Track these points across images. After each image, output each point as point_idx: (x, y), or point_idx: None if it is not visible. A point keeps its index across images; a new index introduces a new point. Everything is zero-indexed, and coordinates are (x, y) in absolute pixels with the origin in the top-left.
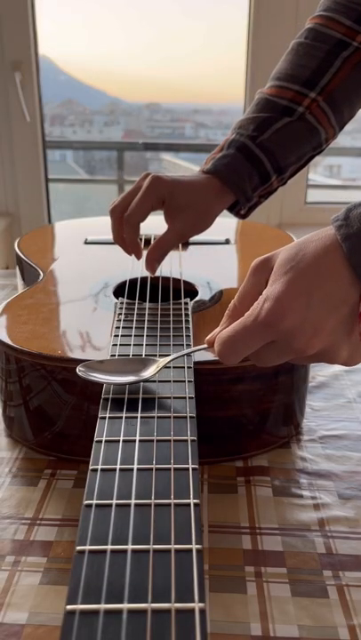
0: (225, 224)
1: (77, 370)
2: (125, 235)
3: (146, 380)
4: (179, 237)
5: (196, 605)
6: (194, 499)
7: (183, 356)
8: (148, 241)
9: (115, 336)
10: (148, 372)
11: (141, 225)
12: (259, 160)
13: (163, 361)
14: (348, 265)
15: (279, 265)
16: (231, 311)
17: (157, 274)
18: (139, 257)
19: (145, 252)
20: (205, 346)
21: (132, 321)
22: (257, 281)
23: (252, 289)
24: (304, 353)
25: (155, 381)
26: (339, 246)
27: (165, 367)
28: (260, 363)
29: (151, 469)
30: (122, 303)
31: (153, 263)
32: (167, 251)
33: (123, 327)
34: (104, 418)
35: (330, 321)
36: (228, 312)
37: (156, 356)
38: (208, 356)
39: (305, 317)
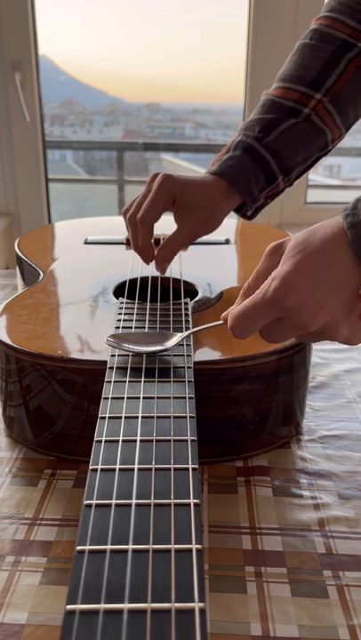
0: (225, 224)
1: (106, 341)
2: (139, 237)
3: (166, 350)
4: (189, 237)
5: (196, 605)
6: (194, 499)
7: (200, 330)
8: (157, 241)
9: None
10: (171, 342)
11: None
12: (265, 161)
13: (181, 335)
14: (352, 251)
15: (289, 248)
16: (245, 290)
17: (157, 273)
18: (148, 261)
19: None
20: (221, 322)
21: (132, 321)
22: (270, 263)
23: (266, 270)
24: (307, 329)
25: (154, 381)
26: (345, 233)
27: (179, 345)
28: (269, 338)
29: (151, 469)
30: (122, 303)
31: (163, 263)
32: (177, 250)
33: (123, 327)
34: (104, 418)
35: (332, 300)
36: (242, 291)
37: (155, 356)
38: (208, 355)
39: (309, 295)
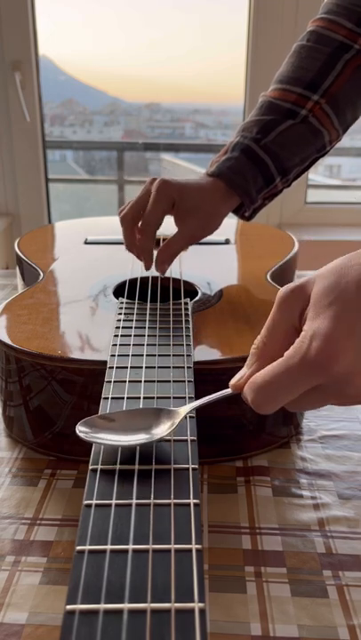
0: (225, 224)
1: (77, 430)
2: (142, 242)
3: (160, 440)
4: (188, 239)
5: (196, 605)
6: (194, 499)
7: (203, 404)
8: (157, 242)
9: (115, 336)
10: (161, 430)
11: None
12: (263, 162)
13: (181, 413)
14: None
15: (319, 296)
16: (260, 349)
17: (157, 274)
18: (149, 266)
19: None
20: (230, 391)
21: (132, 321)
22: (288, 313)
23: (284, 323)
24: (358, 399)
25: (154, 381)
26: None
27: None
28: (297, 409)
29: (151, 469)
30: (122, 303)
31: (163, 264)
32: (177, 252)
33: (123, 327)
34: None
35: None
36: (254, 350)
37: (155, 356)
38: (208, 355)
39: (360, 358)
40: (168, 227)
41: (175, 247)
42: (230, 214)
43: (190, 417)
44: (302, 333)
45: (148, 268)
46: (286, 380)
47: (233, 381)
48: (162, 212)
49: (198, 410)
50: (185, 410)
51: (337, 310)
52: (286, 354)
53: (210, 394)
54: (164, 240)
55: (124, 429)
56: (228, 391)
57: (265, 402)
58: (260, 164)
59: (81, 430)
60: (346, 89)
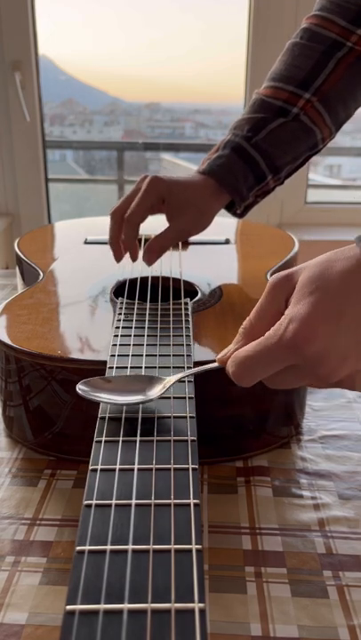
0: (225, 224)
1: (77, 388)
2: (124, 234)
3: (151, 400)
4: (179, 235)
5: (196, 605)
6: (194, 499)
7: (191, 374)
8: (147, 241)
9: (114, 336)
10: (155, 392)
11: (141, 225)
12: (254, 160)
13: (170, 380)
14: None
15: (303, 284)
16: (247, 329)
17: (157, 273)
18: (135, 258)
19: (140, 253)
20: (217, 364)
21: (132, 321)
22: (276, 299)
23: (271, 307)
24: (328, 380)
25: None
26: None
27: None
28: (275, 385)
29: (151, 469)
30: (122, 303)
31: (152, 254)
32: (167, 246)
33: (123, 327)
34: (104, 418)
35: (358, 347)
36: (242, 330)
37: (155, 356)
38: (208, 355)
39: (333, 343)
40: (157, 228)
41: (164, 240)
42: (226, 213)
43: (191, 417)
44: (283, 317)
45: (134, 259)
46: (264, 357)
47: (219, 356)
48: (148, 206)
49: (198, 410)
50: (175, 377)
51: (317, 298)
52: (267, 334)
53: (210, 394)
54: (146, 240)
55: (120, 391)
56: (214, 364)
57: (243, 375)
58: (251, 162)
59: (81, 389)
60: (338, 87)
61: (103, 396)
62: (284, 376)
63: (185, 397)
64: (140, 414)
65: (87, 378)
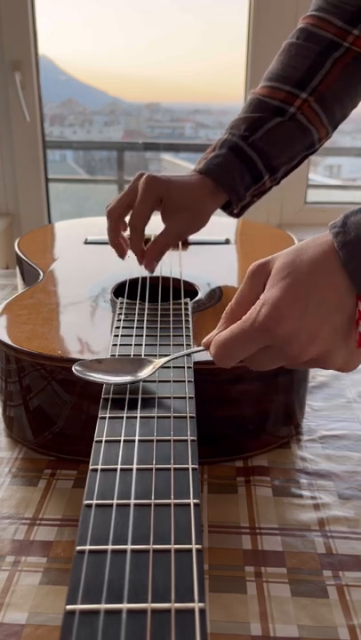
0: (225, 224)
1: (73, 368)
2: (133, 241)
3: (141, 381)
4: (176, 237)
5: (196, 605)
6: (194, 499)
7: (180, 357)
8: (147, 240)
9: (115, 336)
10: (145, 373)
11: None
12: (250, 159)
13: (159, 362)
14: (345, 273)
15: (277, 270)
16: (228, 314)
17: (157, 274)
18: (142, 262)
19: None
20: (202, 348)
21: (132, 321)
22: (255, 285)
23: (250, 293)
24: (299, 359)
25: (155, 381)
26: (335, 253)
27: (163, 367)
28: (255, 366)
29: (151, 469)
30: (122, 303)
31: (152, 262)
32: (165, 250)
33: (123, 327)
34: (104, 418)
35: (325, 328)
36: (225, 315)
37: (155, 356)
38: (208, 355)
39: (301, 324)
40: (155, 226)
41: (162, 245)
42: (219, 211)
43: (191, 417)
44: (257, 301)
45: (141, 262)
46: (240, 339)
47: (204, 340)
48: (150, 209)
49: (198, 410)
50: (163, 360)
51: (287, 283)
52: (243, 317)
53: (210, 394)
54: (147, 241)
55: (111, 372)
56: (200, 348)
57: (222, 355)
58: (248, 162)
59: (76, 369)
60: (335, 87)
61: (96, 376)
62: (262, 357)
63: (185, 397)
64: (139, 414)
65: None
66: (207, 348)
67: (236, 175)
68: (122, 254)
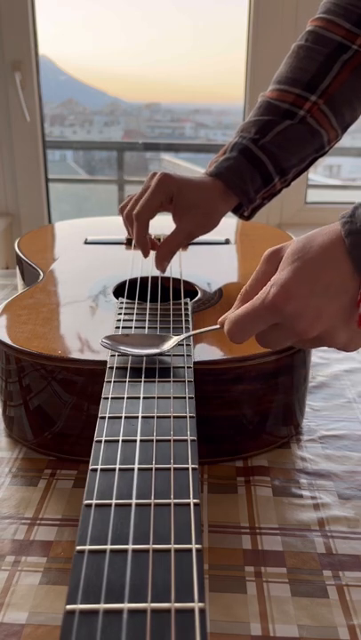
0: (225, 224)
1: (101, 342)
2: (134, 232)
3: (163, 354)
4: (186, 236)
5: (196, 605)
6: (194, 499)
7: (196, 334)
8: (158, 239)
9: None
10: (167, 346)
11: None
12: (261, 162)
13: (178, 338)
14: (350, 258)
15: (288, 255)
16: (243, 295)
17: (157, 273)
18: (146, 254)
19: (151, 252)
20: (218, 326)
21: (132, 321)
22: (268, 269)
23: (263, 276)
24: (306, 335)
25: (154, 382)
26: (342, 241)
27: (179, 345)
28: (265, 344)
29: (151, 469)
30: (122, 303)
31: (162, 262)
32: (175, 250)
33: (123, 327)
34: (104, 418)
35: (330, 307)
36: (240, 296)
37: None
38: (208, 356)
39: (307, 302)
40: (165, 229)
41: (173, 245)
42: (230, 214)
43: (190, 417)
44: (268, 282)
45: (146, 255)
46: (252, 316)
47: (220, 319)
48: (157, 204)
49: (198, 410)
50: (183, 335)
51: (297, 265)
52: (255, 297)
53: (210, 393)
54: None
55: (136, 345)
56: (216, 326)
57: (234, 331)
58: (259, 165)
59: (106, 343)
60: (344, 89)
61: (125, 349)
62: (271, 334)
63: (185, 397)
64: (140, 414)
65: (87, 378)
66: (222, 326)
67: (246, 178)
68: (146, 252)
